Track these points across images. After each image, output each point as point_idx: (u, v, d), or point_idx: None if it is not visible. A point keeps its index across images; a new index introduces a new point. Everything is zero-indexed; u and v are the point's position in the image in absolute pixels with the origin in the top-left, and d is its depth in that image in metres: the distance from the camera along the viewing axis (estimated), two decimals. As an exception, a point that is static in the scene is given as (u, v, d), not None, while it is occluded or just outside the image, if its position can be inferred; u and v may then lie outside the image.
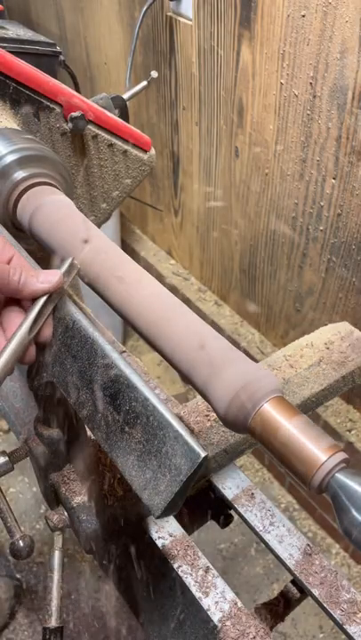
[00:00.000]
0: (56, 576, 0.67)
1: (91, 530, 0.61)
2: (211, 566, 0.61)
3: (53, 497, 0.67)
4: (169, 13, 1.41)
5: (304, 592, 0.61)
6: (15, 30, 0.98)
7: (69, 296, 0.56)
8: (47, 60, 0.97)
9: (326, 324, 0.84)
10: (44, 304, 0.53)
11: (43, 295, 0.53)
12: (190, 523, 0.73)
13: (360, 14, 0.95)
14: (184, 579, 0.60)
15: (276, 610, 0.63)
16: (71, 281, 0.57)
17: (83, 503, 0.62)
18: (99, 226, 0.99)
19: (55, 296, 0.54)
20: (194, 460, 0.44)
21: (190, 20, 1.35)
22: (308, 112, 1.14)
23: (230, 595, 0.59)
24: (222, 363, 0.49)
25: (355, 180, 1.11)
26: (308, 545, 0.62)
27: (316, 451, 0.43)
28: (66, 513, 0.66)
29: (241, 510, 0.66)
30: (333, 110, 1.08)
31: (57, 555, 0.67)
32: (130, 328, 0.92)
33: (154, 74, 1.11)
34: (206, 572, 0.61)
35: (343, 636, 0.56)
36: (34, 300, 0.54)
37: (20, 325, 0.52)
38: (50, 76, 0.84)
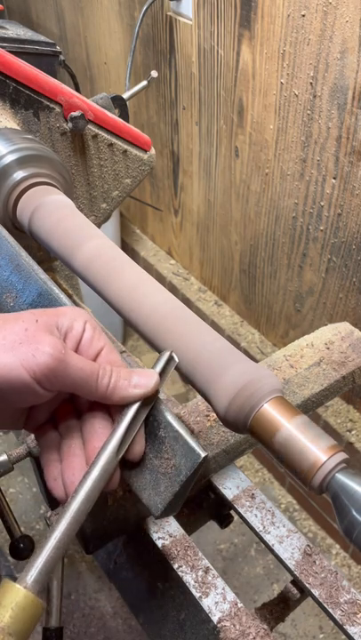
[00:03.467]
0: (56, 576, 0.67)
1: (91, 530, 0.61)
2: (211, 566, 0.61)
3: (53, 497, 0.67)
4: (169, 13, 1.41)
5: (304, 592, 0.61)
6: (15, 30, 0.98)
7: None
8: (47, 59, 0.97)
9: (326, 324, 0.84)
10: (135, 413, 0.44)
11: (135, 402, 0.44)
12: (190, 523, 0.73)
13: (360, 14, 0.95)
14: (184, 579, 0.60)
15: (277, 610, 0.62)
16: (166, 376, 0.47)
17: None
18: (99, 226, 0.99)
19: (149, 401, 0.45)
20: (194, 460, 0.44)
21: (190, 19, 1.35)
22: (309, 112, 1.14)
23: (230, 595, 0.59)
24: (222, 363, 0.49)
25: (355, 179, 1.11)
26: (309, 545, 0.62)
27: (317, 451, 0.43)
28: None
29: (241, 510, 0.66)
30: (334, 110, 1.08)
31: (57, 555, 0.67)
32: (130, 328, 0.92)
33: (154, 74, 1.11)
34: (206, 573, 0.61)
35: (343, 637, 0.56)
36: (123, 405, 0.44)
37: (105, 443, 0.42)
38: (50, 75, 0.84)
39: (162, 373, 0.46)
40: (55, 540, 0.39)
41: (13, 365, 0.39)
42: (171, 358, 0.47)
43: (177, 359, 0.48)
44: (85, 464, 0.43)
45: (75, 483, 0.42)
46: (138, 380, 0.44)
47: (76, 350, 0.44)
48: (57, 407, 0.46)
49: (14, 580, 0.37)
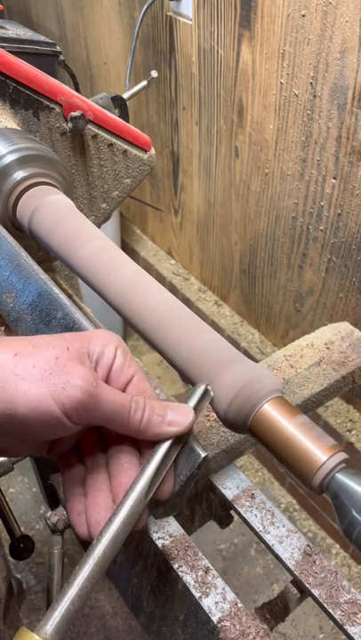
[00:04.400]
0: (56, 576, 0.67)
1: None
2: (211, 566, 0.61)
3: (53, 497, 0.67)
4: (169, 13, 1.41)
5: (304, 592, 0.61)
6: (15, 30, 0.98)
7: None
8: (47, 59, 0.97)
9: (326, 324, 0.84)
10: (166, 451, 0.41)
11: (167, 439, 0.42)
12: (190, 523, 0.73)
13: (360, 14, 0.95)
14: (184, 579, 0.60)
15: (277, 610, 0.62)
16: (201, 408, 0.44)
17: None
18: (99, 226, 0.99)
19: (182, 439, 0.43)
20: (194, 460, 0.44)
21: (190, 19, 1.35)
22: (309, 112, 1.14)
23: (230, 595, 0.59)
24: (222, 363, 0.49)
25: (355, 179, 1.11)
26: (309, 545, 0.62)
27: (317, 451, 0.43)
28: (65, 513, 0.66)
29: (241, 510, 0.66)
30: (334, 110, 1.08)
31: (57, 555, 0.67)
32: (130, 328, 0.92)
33: (154, 73, 1.11)
34: (206, 573, 0.61)
35: (343, 637, 0.56)
36: (154, 441, 0.42)
37: (134, 483, 0.40)
38: (50, 75, 0.84)
39: (196, 408, 0.44)
40: (77, 587, 0.35)
41: (43, 397, 0.37)
42: (206, 392, 0.45)
43: (212, 393, 0.45)
44: (111, 501, 0.41)
45: (99, 522, 0.40)
46: (172, 416, 0.42)
47: (107, 378, 0.42)
48: (82, 435, 0.44)
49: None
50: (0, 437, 0.40)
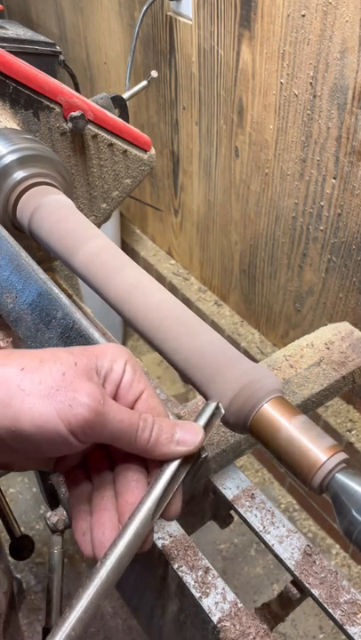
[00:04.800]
0: (56, 576, 0.67)
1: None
2: (211, 567, 0.61)
3: (53, 497, 0.67)
4: (169, 13, 1.41)
5: (304, 592, 0.61)
6: (15, 30, 0.98)
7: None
8: (47, 59, 0.97)
9: (326, 324, 0.84)
10: (175, 471, 0.40)
11: (176, 459, 0.41)
12: (190, 523, 0.73)
13: (360, 14, 0.95)
14: (184, 579, 0.60)
15: (277, 610, 0.62)
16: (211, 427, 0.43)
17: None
18: (99, 226, 0.99)
19: (191, 458, 0.42)
20: (194, 460, 0.44)
21: (190, 19, 1.35)
22: (309, 112, 1.14)
23: (230, 595, 0.59)
24: (222, 363, 0.49)
25: (355, 179, 1.11)
26: (309, 545, 0.62)
27: (317, 451, 0.43)
28: (65, 513, 0.66)
29: (241, 510, 0.66)
30: (333, 110, 1.08)
31: (57, 555, 0.67)
32: (130, 328, 0.91)
33: (154, 73, 1.11)
34: (206, 573, 0.61)
35: (343, 637, 0.56)
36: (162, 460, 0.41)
37: (140, 504, 0.39)
38: (50, 75, 0.83)
39: (207, 427, 0.42)
40: (79, 611, 0.34)
41: (49, 415, 0.36)
42: (217, 410, 0.43)
43: (223, 410, 0.44)
44: (117, 520, 0.40)
45: (104, 543, 0.39)
46: (181, 435, 0.41)
47: (115, 394, 0.41)
48: (89, 452, 0.44)
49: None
50: (5, 453, 0.39)
